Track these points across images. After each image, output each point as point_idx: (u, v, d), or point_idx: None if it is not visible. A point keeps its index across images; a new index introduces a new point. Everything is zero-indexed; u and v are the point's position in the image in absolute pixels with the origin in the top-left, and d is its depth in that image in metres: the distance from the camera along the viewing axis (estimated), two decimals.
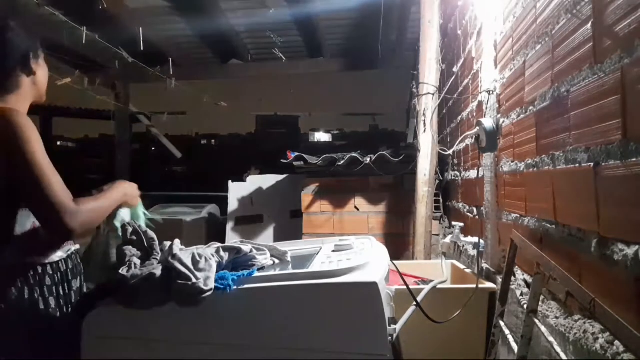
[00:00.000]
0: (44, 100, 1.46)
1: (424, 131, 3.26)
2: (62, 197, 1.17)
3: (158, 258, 1.28)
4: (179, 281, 1.15)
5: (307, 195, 4.33)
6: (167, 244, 1.31)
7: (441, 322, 1.59)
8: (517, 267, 1.81)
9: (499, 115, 2.09)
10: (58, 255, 1.35)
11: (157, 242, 1.35)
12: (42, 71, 1.43)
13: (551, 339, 1.30)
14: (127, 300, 1.18)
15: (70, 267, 1.39)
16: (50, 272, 1.33)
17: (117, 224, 1.42)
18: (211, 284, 1.16)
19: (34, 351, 1.25)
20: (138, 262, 1.26)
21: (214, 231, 6.13)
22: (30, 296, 1.27)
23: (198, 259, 1.22)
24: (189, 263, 1.19)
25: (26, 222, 1.30)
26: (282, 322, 1.17)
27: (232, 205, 5.29)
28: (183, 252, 1.25)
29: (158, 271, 1.19)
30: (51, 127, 11.73)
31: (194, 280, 1.14)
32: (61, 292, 1.35)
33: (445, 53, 3.69)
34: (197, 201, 6.90)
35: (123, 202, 1.43)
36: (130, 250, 1.29)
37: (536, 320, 1.38)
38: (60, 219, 1.15)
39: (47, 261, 1.32)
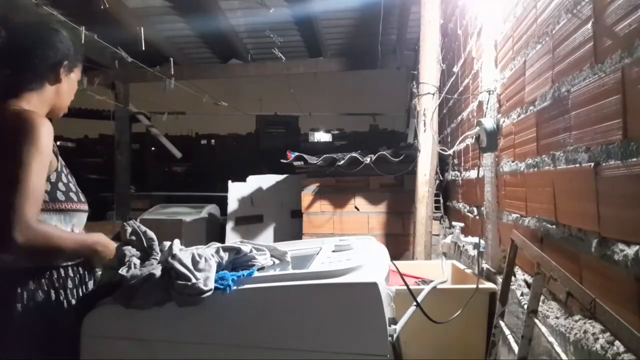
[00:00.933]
0: (60, 116, 1.46)
1: (424, 131, 3.26)
2: (27, 208, 1.14)
3: (158, 258, 1.28)
4: (179, 281, 1.15)
5: (307, 195, 4.33)
6: (167, 244, 1.31)
7: (441, 323, 1.58)
8: (517, 267, 1.81)
9: (499, 115, 2.09)
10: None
11: (156, 242, 1.34)
12: (68, 85, 1.43)
13: (551, 339, 1.30)
14: (126, 300, 1.18)
15: (88, 268, 1.40)
16: (72, 275, 1.34)
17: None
18: (211, 284, 1.16)
19: (55, 353, 1.25)
20: (137, 262, 1.26)
21: (214, 231, 6.13)
22: (56, 298, 1.28)
23: (198, 259, 1.22)
24: (189, 263, 1.19)
25: (63, 226, 1.31)
26: (282, 322, 1.17)
27: (232, 205, 5.29)
28: (183, 252, 1.25)
29: (158, 271, 1.19)
30: None
31: (193, 280, 1.14)
32: (80, 295, 1.35)
33: (445, 53, 3.69)
34: (197, 201, 6.90)
35: (92, 254, 1.36)
36: (129, 250, 1.29)
37: (536, 321, 1.38)
38: (10, 227, 1.12)
39: (70, 263, 1.33)
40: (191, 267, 1.18)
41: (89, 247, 1.34)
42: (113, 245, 1.39)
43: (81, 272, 1.37)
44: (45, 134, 1.22)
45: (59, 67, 1.38)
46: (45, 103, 1.38)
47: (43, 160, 1.21)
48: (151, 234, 1.36)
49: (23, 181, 1.16)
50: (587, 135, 1.21)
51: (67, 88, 1.43)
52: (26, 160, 1.17)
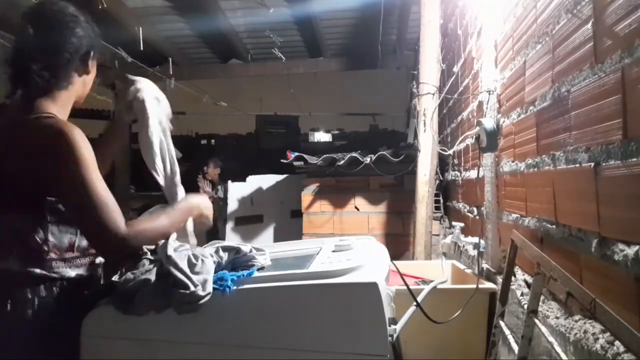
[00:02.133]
0: (80, 103, 1.41)
1: (424, 131, 3.26)
2: (113, 223, 1.14)
3: (149, 257, 1.24)
4: (177, 289, 1.12)
5: (307, 195, 4.33)
6: (161, 242, 1.28)
7: (441, 323, 1.58)
8: (517, 267, 1.81)
9: (499, 115, 2.08)
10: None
11: None
12: (93, 73, 1.39)
13: (551, 339, 1.30)
14: (123, 306, 1.16)
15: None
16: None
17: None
18: (209, 288, 1.14)
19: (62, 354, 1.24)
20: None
21: (213, 231, 6.12)
22: (65, 305, 1.24)
23: (194, 261, 1.20)
24: (185, 266, 1.17)
25: (64, 238, 1.24)
26: (282, 322, 1.17)
27: (232, 205, 5.29)
28: (178, 253, 1.22)
29: (152, 275, 1.16)
30: None
31: (192, 288, 1.11)
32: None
33: (445, 53, 3.69)
34: None
35: (194, 217, 1.40)
36: None
37: (536, 321, 1.38)
38: (109, 245, 1.16)
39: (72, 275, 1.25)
40: (188, 272, 1.15)
41: (188, 213, 1.38)
42: (206, 200, 1.46)
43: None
44: (85, 145, 1.18)
45: (87, 58, 1.33)
46: (72, 97, 1.33)
47: (97, 171, 1.18)
48: None
49: (94, 197, 1.14)
50: (587, 135, 1.21)
51: (92, 75, 1.39)
52: (86, 180, 1.14)
